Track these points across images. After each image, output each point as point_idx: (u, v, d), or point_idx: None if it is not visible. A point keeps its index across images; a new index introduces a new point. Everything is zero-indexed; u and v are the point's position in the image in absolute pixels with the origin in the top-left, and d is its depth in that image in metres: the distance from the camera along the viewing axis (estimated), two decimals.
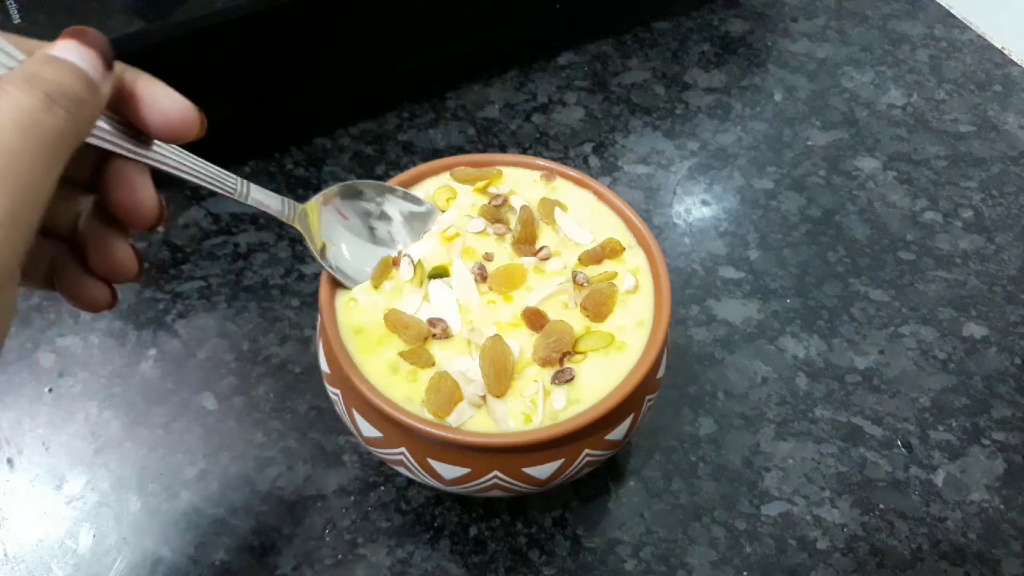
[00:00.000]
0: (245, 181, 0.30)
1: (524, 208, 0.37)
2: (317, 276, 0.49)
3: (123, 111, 0.25)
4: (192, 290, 0.48)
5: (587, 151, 0.57)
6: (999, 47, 0.67)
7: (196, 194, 0.53)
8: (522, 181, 0.39)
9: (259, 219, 0.52)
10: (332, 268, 0.34)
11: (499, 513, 0.40)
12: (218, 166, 0.29)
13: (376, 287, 0.35)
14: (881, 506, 0.41)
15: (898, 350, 0.47)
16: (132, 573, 0.38)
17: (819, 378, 0.46)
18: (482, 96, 0.60)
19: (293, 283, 0.49)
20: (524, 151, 0.57)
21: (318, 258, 0.33)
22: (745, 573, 0.39)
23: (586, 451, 0.32)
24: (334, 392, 0.34)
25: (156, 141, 0.26)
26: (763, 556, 0.39)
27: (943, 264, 0.52)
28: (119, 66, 0.24)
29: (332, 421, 0.43)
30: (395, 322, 0.33)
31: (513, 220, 0.37)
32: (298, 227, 0.32)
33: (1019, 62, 0.66)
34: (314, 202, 0.34)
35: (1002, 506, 0.41)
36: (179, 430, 0.42)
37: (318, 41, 0.51)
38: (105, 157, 0.25)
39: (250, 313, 0.47)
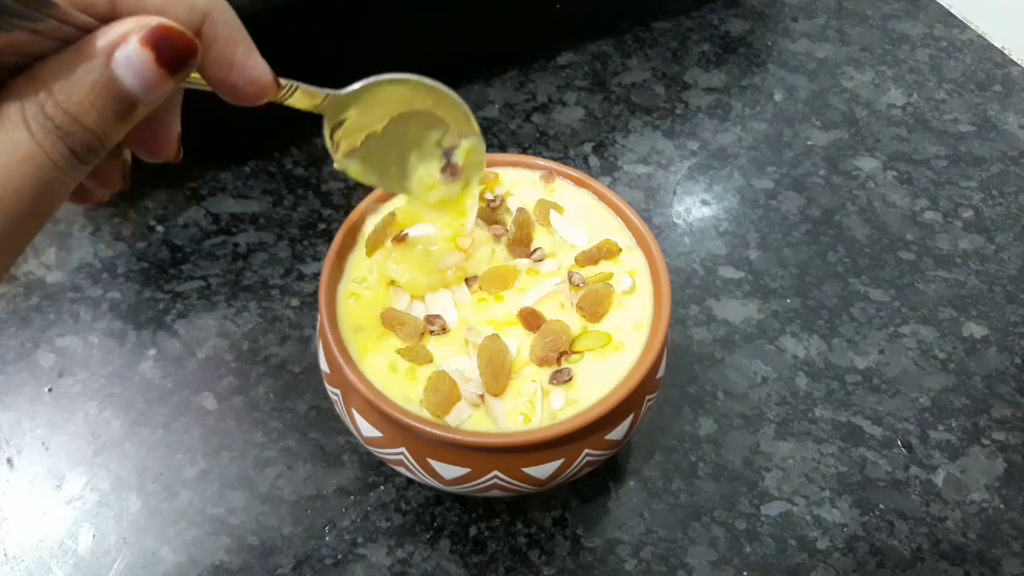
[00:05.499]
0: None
1: (520, 210, 0.37)
2: (317, 276, 0.49)
3: (204, 69, 0.22)
4: (192, 290, 0.48)
5: (587, 151, 0.57)
6: (999, 47, 0.67)
7: (196, 194, 0.53)
8: (520, 182, 0.39)
9: (259, 219, 0.52)
10: (334, 150, 0.31)
11: (499, 513, 0.40)
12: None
13: (369, 255, 0.35)
14: (881, 506, 0.41)
15: (898, 350, 0.47)
16: (132, 573, 0.38)
17: (819, 378, 0.46)
18: (482, 96, 0.60)
19: (293, 283, 0.49)
20: (524, 151, 0.57)
21: (326, 133, 0.30)
22: (745, 573, 0.39)
23: (586, 451, 0.32)
24: (334, 392, 0.34)
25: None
26: (763, 556, 0.39)
27: (943, 264, 0.52)
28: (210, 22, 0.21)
29: (332, 421, 0.43)
30: (391, 319, 0.33)
31: (509, 221, 0.37)
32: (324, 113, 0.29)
33: (1019, 62, 0.66)
34: (365, 89, 0.30)
35: (1002, 506, 0.41)
36: (179, 430, 0.42)
37: (317, 41, 0.51)
38: None
39: (250, 313, 0.47)
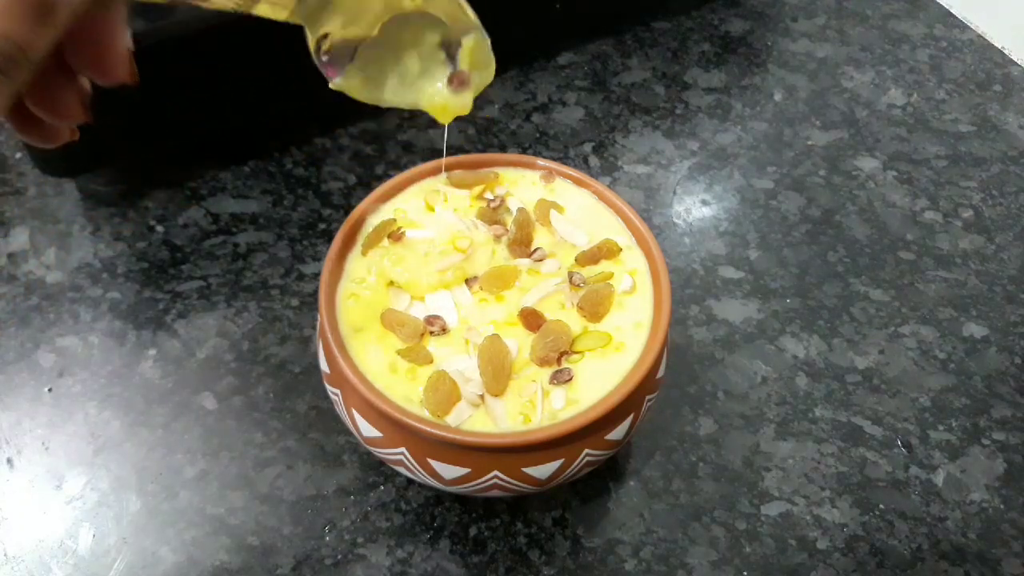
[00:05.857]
0: None
1: (520, 210, 0.37)
2: (317, 276, 0.49)
3: None
4: (191, 290, 0.48)
5: (587, 151, 0.57)
6: (999, 47, 0.67)
7: (196, 194, 0.53)
8: (521, 181, 0.39)
9: (259, 219, 0.52)
10: (324, 66, 0.28)
11: (499, 513, 0.40)
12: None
13: (364, 254, 0.35)
14: (881, 506, 0.41)
15: (898, 350, 0.47)
16: (132, 573, 0.38)
17: (819, 378, 0.46)
18: (482, 96, 0.59)
19: (292, 283, 0.49)
20: (524, 151, 0.57)
21: (312, 49, 0.27)
22: (745, 573, 0.39)
23: (586, 451, 0.32)
24: (334, 392, 0.34)
25: None
26: (763, 556, 0.39)
27: (943, 264, 0.52)
28: None
29: (332, 421, 0.43)
30: (391, 320, 0.33)
31: (510, 221, 0.37)
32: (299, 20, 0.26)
33: (1019, 62, 0.66)
34: None
35: (1002, 506, 0.41)
36: (179, 430, 0.42)
37: None
38: None
39: (250, 313, 0.47)
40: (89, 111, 0.24)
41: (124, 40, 0.23)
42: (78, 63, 0.22)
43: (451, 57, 0.30)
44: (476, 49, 0.30)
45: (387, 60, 0.29)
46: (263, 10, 0.25)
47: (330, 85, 0.28)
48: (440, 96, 0.30)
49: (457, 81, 0.31)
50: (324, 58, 0.28)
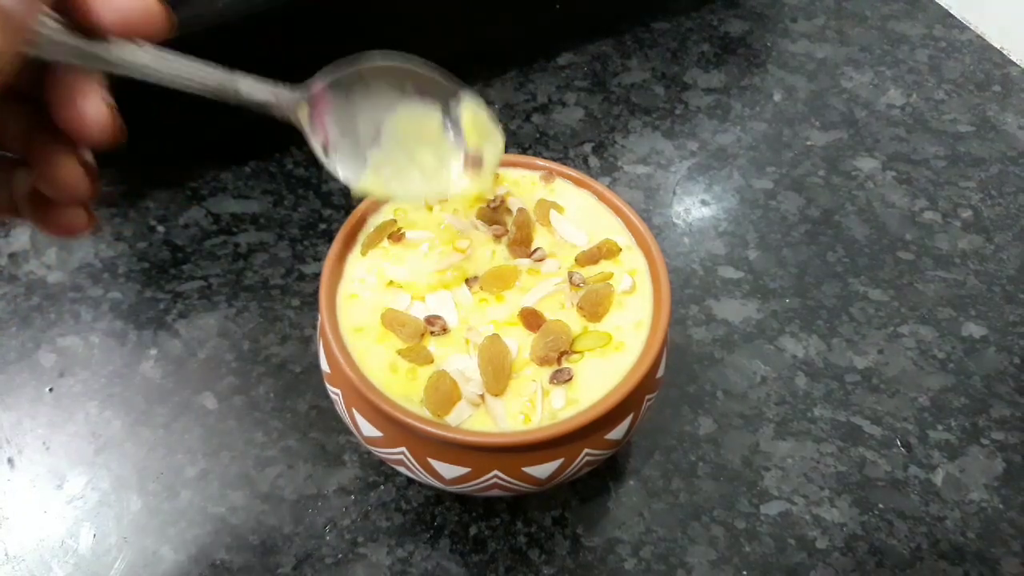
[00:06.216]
0: (232, 75, 0.24)
1: (520, 210, 0.37)
2: (317, 276, 0.49)
3: (68, 9, 0.20)
4: (192, 290, 0.48)
5: (587, 151, 0.57)
6: (998, 47, 0.67)
7: (196, 194, 0.53)
8: (520, 182, 0.39)
9: (259, 219, 0.52)
10: (337, 171, 0.28)
11: (499, 512, 0.40)
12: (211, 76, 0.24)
13: (364, 254, 0.35)
14: (880, 505, 0.41)
15: (897, 350, 0.48)
16: (132, 572, 0.38)
17: (818, 378, 0.46)
18: (482, 96, 0.60)
19: (293, 283, 0.49)
20: (524, 151, 0.57)
21: (320, 157, 0.27)
22: (744, 572, 0.39)
23: (586, 450, 0.32)
24: (334, 392, 0.34)
25: (111, 40, 0.22)
26: (762, 555, 0.39)
27: (942, 264, 0.52)
28: None
29: (332, 420, 0.43)
30: (392, 320, 0.33)
31: (510, 221, 0.37)
32: (295, 121, 0.26)
33: (1018, 62, 0.66)
34: (320, 84, 0.26)
35: (1001, 505, 0.42)
36: (179, 430, 0.42)
37: (318, 41, 0.51)
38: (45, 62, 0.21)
39: (250, 313, 0.47)
40: (97, 184, 0.24)
41: (95, 95, 0.22)
42: (64, 126, 0.22)
43: (455, 132, 0.29)
44: (473, 121, 0.29)
45: (398, 158, 0.28)
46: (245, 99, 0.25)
47: (352, 194, 0.28)
48: (461, 182, 0.30)
49: (471, 162, 0.30)
50: (334, 162, 0.27)
